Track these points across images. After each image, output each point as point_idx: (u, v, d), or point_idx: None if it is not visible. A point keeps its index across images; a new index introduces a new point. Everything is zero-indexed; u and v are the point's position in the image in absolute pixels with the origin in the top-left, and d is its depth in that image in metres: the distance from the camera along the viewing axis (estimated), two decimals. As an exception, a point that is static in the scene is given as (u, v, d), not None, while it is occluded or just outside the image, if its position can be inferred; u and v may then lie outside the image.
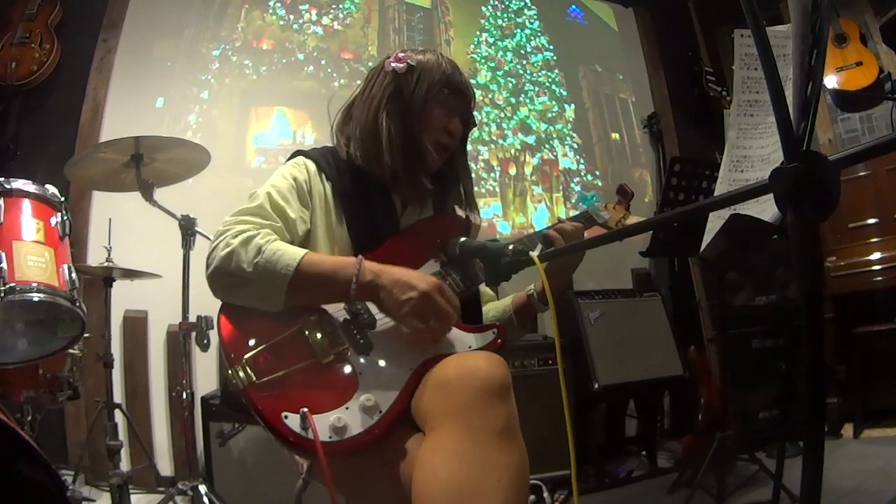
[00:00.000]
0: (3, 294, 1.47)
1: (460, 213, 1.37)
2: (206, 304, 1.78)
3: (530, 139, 3.73)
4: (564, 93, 3.92)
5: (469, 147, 1.39)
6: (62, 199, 1.76)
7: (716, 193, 1.43)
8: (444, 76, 1.22)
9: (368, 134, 1.21)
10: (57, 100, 2.82)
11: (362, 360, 1.04)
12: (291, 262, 1.02)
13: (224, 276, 1.04)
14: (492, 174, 3.55)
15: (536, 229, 1.56)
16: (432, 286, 1.03)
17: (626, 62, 4.18)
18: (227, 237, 1.05)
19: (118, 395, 2.40)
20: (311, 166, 1.22)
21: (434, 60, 1.24)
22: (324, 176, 1.22)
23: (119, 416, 2.19)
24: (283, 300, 1.03)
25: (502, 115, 3.69)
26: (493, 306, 1.36)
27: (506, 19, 3.92)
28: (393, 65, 1.23)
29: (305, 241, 1.17)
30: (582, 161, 3.84)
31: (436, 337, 1.05)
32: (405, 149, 1.19)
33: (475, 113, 1.32)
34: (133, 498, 2.06)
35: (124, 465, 2.20)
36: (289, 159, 1.27)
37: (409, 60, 1.22)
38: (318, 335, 1.04)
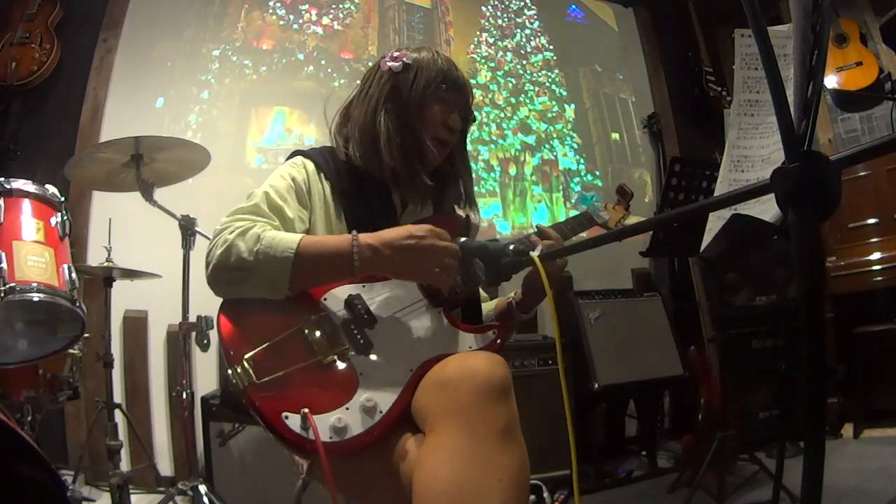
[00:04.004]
0: (3, 294, 1.47)
1: (460, 212, 1.37)
2: (206, 304, 1.78)
3: (530, 139, 3.72)
4: (564, 93, 3.92)
5: (469, 147, 1.39)
6: (62, 199, 1.76)
7: (716, 193, 1.43)
8: (441, 72, 1.22)
9: (367, 133, 1.21)
10: (57, 100, 2.81)
11: (363, 360, 1.04)
12: (291, 245, 1.02)
13: (225, 271, 1.03)
14: (492, 174, 3.55)
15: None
16: (425, 233, 1.05)
17: (626, 62, 4.18)
18: (224, 234, 1.05)
19: (118, 395, 2.39)
20: (310, 166, 1.22)
21: (430, 58, 1.24)
22: (322, 176, 1.22)
23: (119, 416, 2.19)
24: (288, 285, 1.03)
25: (502, 115, 3.69)
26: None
27: (506, 19, 3.92)
28: (389, 64, 1.23)
29: None
30: (582, 161, 3.84)
31: (453, 272, 1.07)
32: (404, 146, 1.18)
33: (475, 112, 1.32)
34: (133, 498, 2.06)
35: (124, 465, 2.20)
36: (287, 159, 1.27)
37: (404, 59, 1.23)
38: (319, 335, 1.04)
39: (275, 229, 1.09)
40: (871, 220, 3.00)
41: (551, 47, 3.98)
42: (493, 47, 3.80)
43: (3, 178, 1.63)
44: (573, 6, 4.18)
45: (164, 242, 2.26)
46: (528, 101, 3.79)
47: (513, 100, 3.75)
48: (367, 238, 1.05)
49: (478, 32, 3.80)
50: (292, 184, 1.18)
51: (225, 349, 1.02)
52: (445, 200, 1.32)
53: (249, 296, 1.05)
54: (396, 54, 1.24)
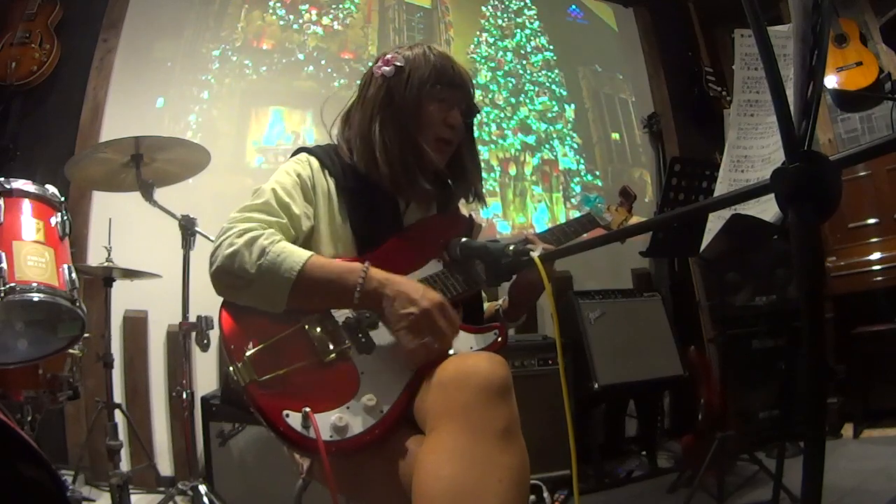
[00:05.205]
0: (3, 294, 1.47)
1: (464, 211, 1.37)
2: (206, 304, 1.78)
3: (530, 139, 3.72)
4: (564, 93, 3.92)
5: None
6: (62, 199, 1.76)
7: (716, 193, 1.43)
8: (433, 71, 1.20)
9: (365, 143, 1.20)
10: (57, 100, 2.81)
11: (364, 360, 1.04)
12: (295, 265, 1.01)
13: (227, 276, 1.03)
14: (492, 174, 3.55)
15: (537, 229, 1.57)
16: (434, 303, 1.01)
17: (626, 62, 4.18)
18: (232, 236, 1.04)
19: (118, 395, 2.39)
20: (315, 163, 1.22)
21: (421, 55, 1.22)
22: (327, 172, 1.21)
23: (119, 416, 2.19)
24: (286, 303, 1.03)
25: (502, 115, 3.69)
26: None
27: (506, 19, 3.92)
28: (382, 69, 1.21)
29: (309, 237, 1.17)
30: (582, 161, 3.84)
31: (429, 355, 1.00)
32: (402, 154, 1.17)
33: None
34: (133, 498, 2.06)
35: (124, 465, 2.20)
36: (292, 156, 1.26)
37: (396, 62, 1.21)
38: (321, 333, 1.04)
39: (283, 229, 1.09)
40: (871, 220, 3.00)
41: (551, 47, 3.98)
42: (493, 47, 3.80)
43: (3, 178, 1.63)
44: (573, 6, 4.19)
45: (164, 242, 2.25)
46: (528, 101, 3.79)
47: (513, 100, 3.75)
48: (377, 273, 1.03)
49: (478, 32, 3.80)
50: (297, 180, 1.17)
51: (226, 346, 1.02)
52: (451, 199, 1.30)
53: (245, 304, 1.05)
54: (388, 57, 1.23)
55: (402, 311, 1.00)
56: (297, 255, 1.03)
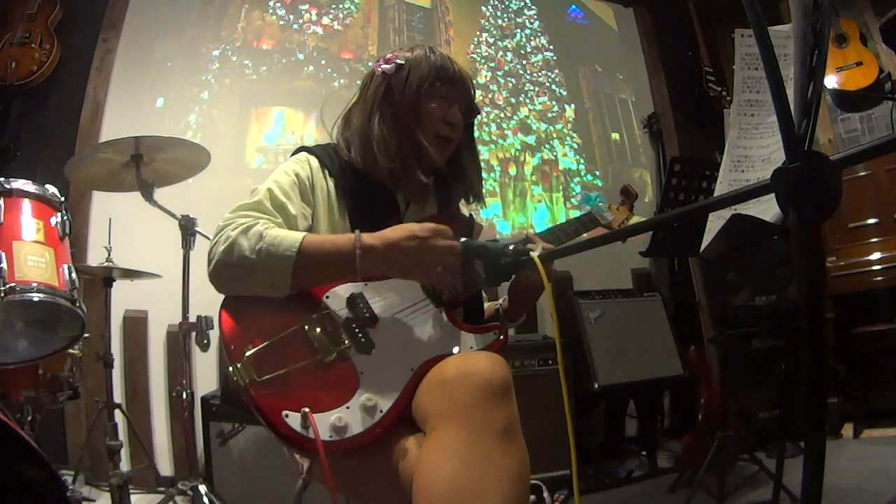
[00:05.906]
0: (3, 294, 1.47)
1: (464, 211, 1.37)
2: (206, 304, 1.78)
3: (530, 139, 3.72)
4: (564, 93, 3.92)
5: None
6: (62, 199, 1.76)
7: (716, 193, 1.43)
8: (433, 69, 1.21)
9: (365, 138, 1.20)
10: (57, 100, 2.81)
11: (364, 359, 1.04)
12: (294, 244, 1.02)
13: (227, 268, 1.03)
14: (492, 174, 3.55)
15: (537, 229, 1.57)
16: (431, 233, 1.05)
17: (626, 62, 4.18)
18: (227, 231, 1.05)
19: (118, 395, 2.39)
20: (314, 162, 1.22)
21: (422, 55, 1.23)
22: (327, 172, 1.21)
23: (119, 416, 2.19)
24: (290, 283, 1.03)
25: (502, 115, 3.69)
26: None
27: (506, 19, 3.92)
28: (383, 67, 1.22)
29: None
30: (582, 161, 3.84)
31: (455, 273, 1.07)
32: (401, 148, 1.18)
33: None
34: (133, 498, 2.06)
35: (124, 465, 2.20)
36: (292, 155, 1.26)
37: (397, 60, 1.22)
38: (320, 333, 1.04)
39: (278, 227, 1.09)
40: (871, 220, 3.00)
41: (551, 47, 3.98)
42: (493, 47, 3.80)
43: (3, 178, 1.63)
44: (573, 6, 4.19)
45: (164, 242, 2.25)
46: (528, 101, 3.79)
47: (513, 100, 3.75)
48: (369, 238, 1.04)
49: (478, 32, 3.80)
50: (296, 180, 1.17)
51: (226, 346, 1.02)
52: (451, 198, 1.30)
53: (250, 293, 1.05)
54: (389, 56, 1.24)
55: (412, 261, 1.04)
56: (294, 235, 1.04)
